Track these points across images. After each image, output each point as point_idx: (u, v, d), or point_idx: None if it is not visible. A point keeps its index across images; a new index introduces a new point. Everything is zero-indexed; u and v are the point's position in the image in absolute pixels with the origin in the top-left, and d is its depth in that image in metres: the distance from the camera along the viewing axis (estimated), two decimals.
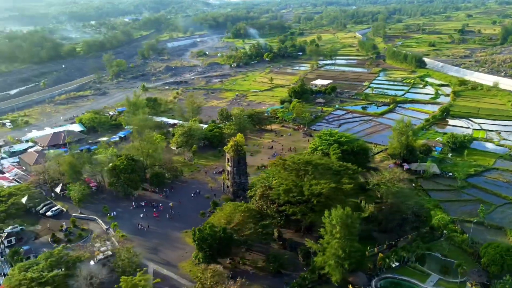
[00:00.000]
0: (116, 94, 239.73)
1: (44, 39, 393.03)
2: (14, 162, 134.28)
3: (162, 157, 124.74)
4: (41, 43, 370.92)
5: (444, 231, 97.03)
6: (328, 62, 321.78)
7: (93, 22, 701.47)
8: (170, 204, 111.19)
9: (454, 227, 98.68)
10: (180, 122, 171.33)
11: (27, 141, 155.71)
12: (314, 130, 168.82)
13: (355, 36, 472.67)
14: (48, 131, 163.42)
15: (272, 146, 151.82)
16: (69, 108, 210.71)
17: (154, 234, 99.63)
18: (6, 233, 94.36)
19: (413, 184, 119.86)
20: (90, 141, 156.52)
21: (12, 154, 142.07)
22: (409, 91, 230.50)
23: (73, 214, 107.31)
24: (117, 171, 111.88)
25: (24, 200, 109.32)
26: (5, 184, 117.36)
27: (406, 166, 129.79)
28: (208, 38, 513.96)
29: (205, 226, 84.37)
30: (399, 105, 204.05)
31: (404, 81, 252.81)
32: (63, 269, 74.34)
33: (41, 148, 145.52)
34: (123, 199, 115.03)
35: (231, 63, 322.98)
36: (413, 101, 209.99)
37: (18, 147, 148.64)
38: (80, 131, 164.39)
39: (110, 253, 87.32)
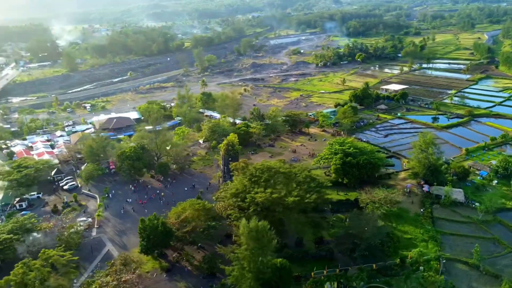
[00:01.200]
0: (193, 87, 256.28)
1: (162, 34, 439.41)
2: (67, 141, 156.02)
3: (167, 149, 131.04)
4: (156, 37, 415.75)
5: (421, 267, 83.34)
6: (426, 65, 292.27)
7: (218, 19, 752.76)
8: (162, 193, 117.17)
9: (435, 264, 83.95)
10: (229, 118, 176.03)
11: (90, 123, 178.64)
12: (357, 138, 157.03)
13: (479, 38, 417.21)
14: (111, 116, 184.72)
15: (295, 150, 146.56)
16: (146, 97, 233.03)
17: (132, 218, 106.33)
18: (18, 198, 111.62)
19: (422, 210, 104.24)
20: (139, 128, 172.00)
21: (71, 133, 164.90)
22: (502, 103, 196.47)
23: (82, 191, 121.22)
24: (123, 157, 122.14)
25: (53, 172, 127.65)
26: (47, 157, 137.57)
27: (426, 188, 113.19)
28: (315, 36, 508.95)
29: (149, 218, 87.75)
30: (476, 118, 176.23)
31: (504, 91, 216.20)
32: (20, 234, 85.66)
33: (93, 130, 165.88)
34: (129, 183, 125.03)
35: (318, 62, 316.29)
36: (497, 116, 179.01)
37: (79, 127, 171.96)
38: (136, 119, 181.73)
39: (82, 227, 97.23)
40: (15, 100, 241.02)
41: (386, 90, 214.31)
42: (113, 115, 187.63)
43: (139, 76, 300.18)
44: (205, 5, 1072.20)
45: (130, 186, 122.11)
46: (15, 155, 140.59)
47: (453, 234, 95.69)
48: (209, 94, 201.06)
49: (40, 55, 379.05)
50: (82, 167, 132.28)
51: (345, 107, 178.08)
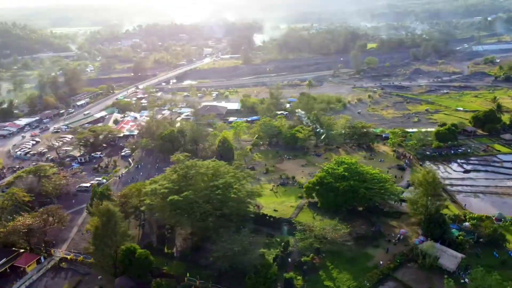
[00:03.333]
0: (323, 88, 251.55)
1: (346, 33, 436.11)
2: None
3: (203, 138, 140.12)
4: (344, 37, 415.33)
5: None
6: None
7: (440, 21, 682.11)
8: None
9: None
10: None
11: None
12: (422, 165, 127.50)
13: None
14: (220, 104, 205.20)
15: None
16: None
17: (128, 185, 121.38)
18: (81, 153, 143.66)
19: (381, 263, 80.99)
20: (227, 118, 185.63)
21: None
22: None
23: (128, 159, 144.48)
24: (158, 138, 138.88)
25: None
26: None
27: (419, 239, 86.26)
28: None
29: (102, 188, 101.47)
30: None
31: None
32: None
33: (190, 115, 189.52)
34: (164, 159, 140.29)
35: (500, 75, 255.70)
36: None
37: (184, 110, 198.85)
38: (235, 109, 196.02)
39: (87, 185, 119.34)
40: (185, 83, 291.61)
41: None
42: (222, 103, 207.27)
43: (294, 72, 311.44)
44: (443, 5, 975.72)
45: (156, 163, 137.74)
46: (118, 123, 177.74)
47: None
48: (308, 96, 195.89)
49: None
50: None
51: (442, 128, 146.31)
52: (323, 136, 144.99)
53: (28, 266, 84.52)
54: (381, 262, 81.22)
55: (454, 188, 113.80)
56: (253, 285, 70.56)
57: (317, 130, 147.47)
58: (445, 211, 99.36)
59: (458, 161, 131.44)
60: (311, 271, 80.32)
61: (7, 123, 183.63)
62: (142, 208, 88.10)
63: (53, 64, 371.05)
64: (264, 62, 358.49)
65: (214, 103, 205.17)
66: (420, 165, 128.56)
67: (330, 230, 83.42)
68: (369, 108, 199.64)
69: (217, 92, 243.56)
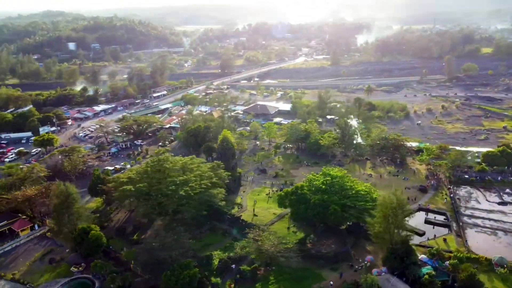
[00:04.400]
0: (397, 95, 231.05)
1: (461, 35, 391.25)
2: None
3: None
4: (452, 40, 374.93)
5: None
6: None
7: None
8: None
9: None
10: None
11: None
12: (451, 189, 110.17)
13: None
14: (270, 104, 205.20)
15: None
16: (341, 95, 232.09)
17: None
18: (124, 140, 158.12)
19: None
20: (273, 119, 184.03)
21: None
22: None
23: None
24: (185, 130, 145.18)
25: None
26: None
27: (382, 270, 75.95)
28: None
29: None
30: None
31: None
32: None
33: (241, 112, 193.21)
34: (189, 152, 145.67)
35: None
36: None
37: (237, 107, 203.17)
38: (287, 111, 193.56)
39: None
40: (266, 81, 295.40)
41: None
42: (273, 103, 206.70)
43: (382, 76, 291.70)
44: None
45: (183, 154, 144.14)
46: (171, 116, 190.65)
47: None
48: (358, 99, 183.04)
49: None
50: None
51: (495, 149, 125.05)
52: (351, 145, 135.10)
53: (22, 231, 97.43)
54: (330, 286, 74.04)
55: (472, 220, 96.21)
56: (166, 283, 70.88)
57: (346, 138, 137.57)
58: (440, 242, 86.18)
59: (501, 190, 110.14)
60: (247, 281, 77.27)
61: (87, 108, 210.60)
62: (114, 195, 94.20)
63: (158, 58, 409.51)
64: (353, 64, 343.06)
65: (266, 103, 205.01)
66: (448, 189, 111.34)
67: (274, 244, 78.65)
68: (434, 120, 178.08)
69: (282, 92, 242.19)
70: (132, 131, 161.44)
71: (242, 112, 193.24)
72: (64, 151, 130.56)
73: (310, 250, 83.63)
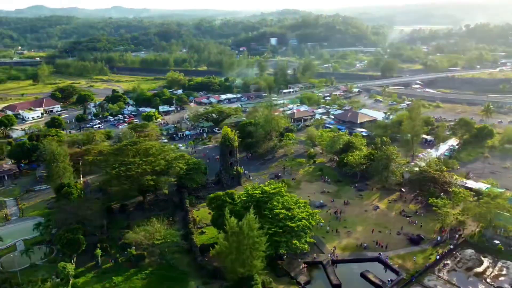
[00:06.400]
0: None
1: None
2: None
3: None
4: None
5: None
6: None
7: None
8: (217, 157, 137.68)
9: None
10: None
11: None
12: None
13: None
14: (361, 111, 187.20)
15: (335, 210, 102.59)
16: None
17: None
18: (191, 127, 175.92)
19: None
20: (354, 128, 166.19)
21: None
22: None
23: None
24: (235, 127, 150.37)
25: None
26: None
27: None
28: None
29: None
30: None
31: None
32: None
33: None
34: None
35: None
36: None
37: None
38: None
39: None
40: (428, 89, 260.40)
41: None
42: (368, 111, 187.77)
43: None
44: None
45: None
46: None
47: None
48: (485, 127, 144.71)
49: None
50: None
51: None
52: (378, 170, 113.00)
53: None
54: None
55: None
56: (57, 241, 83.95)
57: (377, 161, 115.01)
58: None
59: None
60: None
61: (214, 95, 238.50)
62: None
63: (340, 57, 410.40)
64: None
65: (365, 111, 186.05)
66: (451, 249, 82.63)
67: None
68: None
69: (410, 102, 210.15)
70: (211, 119, 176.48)
71: (333, 117, 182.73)
72: (136, 126, 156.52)
73: None
